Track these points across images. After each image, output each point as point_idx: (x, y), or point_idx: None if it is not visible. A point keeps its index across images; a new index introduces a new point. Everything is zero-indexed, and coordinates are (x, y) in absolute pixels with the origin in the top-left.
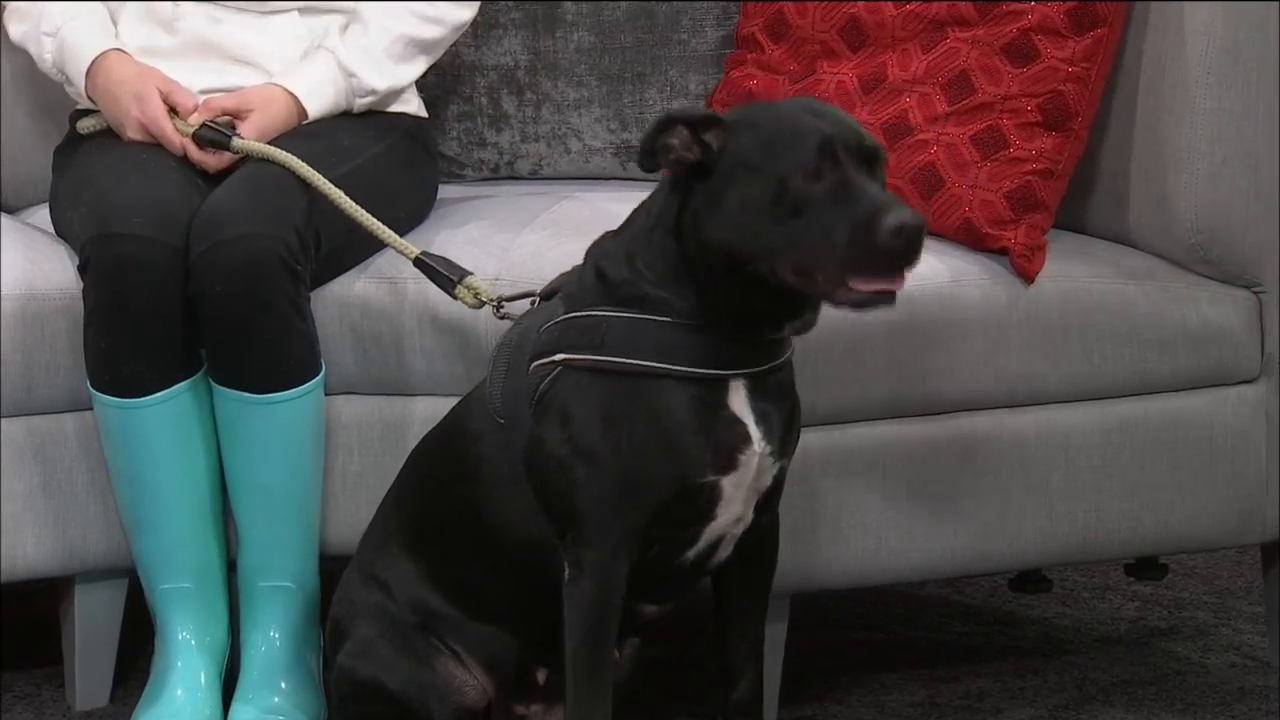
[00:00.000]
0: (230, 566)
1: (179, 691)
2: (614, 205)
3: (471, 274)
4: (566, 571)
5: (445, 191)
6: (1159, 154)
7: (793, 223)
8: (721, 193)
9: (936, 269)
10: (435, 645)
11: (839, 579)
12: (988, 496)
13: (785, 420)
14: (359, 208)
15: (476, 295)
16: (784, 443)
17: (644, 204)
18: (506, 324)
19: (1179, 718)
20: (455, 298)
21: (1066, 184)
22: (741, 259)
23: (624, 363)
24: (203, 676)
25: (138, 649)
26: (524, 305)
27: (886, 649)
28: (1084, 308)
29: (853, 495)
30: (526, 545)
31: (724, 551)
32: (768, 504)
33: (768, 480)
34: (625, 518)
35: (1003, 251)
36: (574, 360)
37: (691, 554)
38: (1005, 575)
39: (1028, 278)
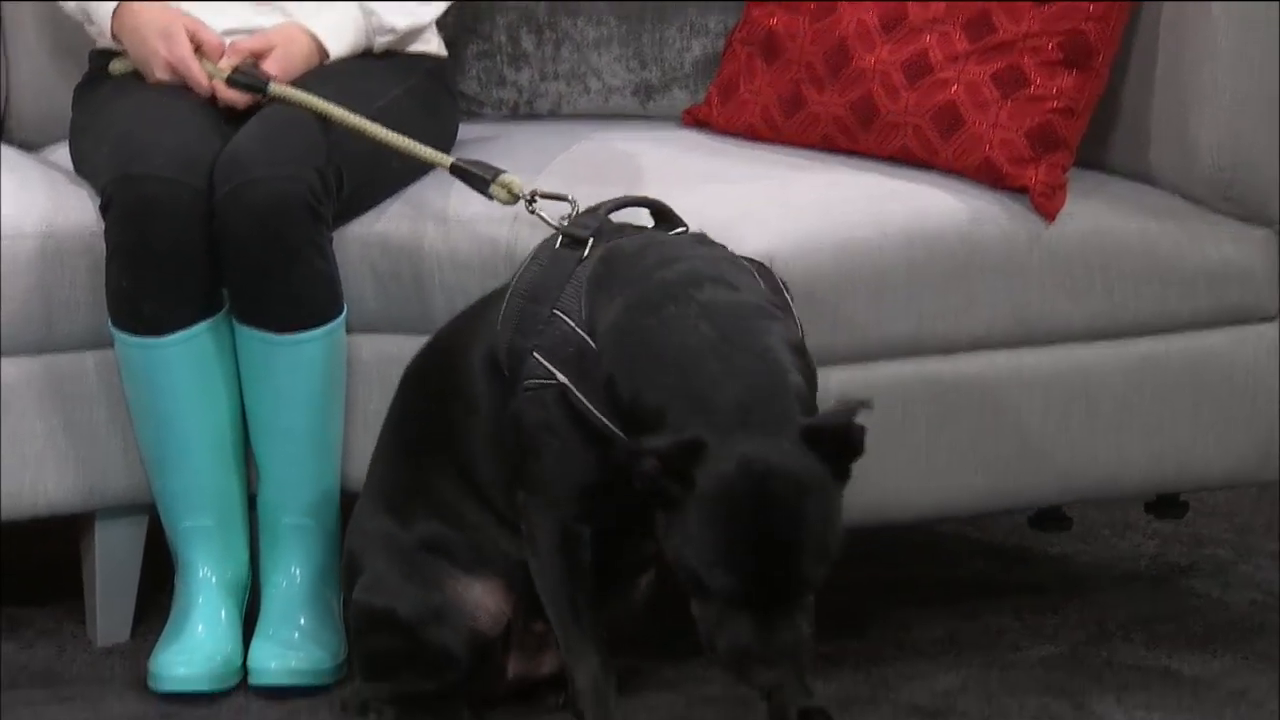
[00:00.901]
0: (250, 504)
1: (200, 628)
2: (633, 145)
3: (504, 171)
4: (523, 522)
5: (465, 131)
6: (1180, 92)
7: (704, 605)
8: (673, 525)
9: (956, 208)
10: (446, 569)
11: (858, 517)
12: (1008, 435)
13: None
14: (393, 134)
15: (510, 190)
16: None
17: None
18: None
19: (1198, 654)
20: (490, 197)
21: (1087, 122)
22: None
23: (613, 431)
24: (223, 613)
25: (159, 585)
26: (555, 208)
27: (906, 586)
28: (1104, 246)
29: (872, 434)
30: (508, 491)
31: None
32: None
33: None
34: (576, 503)
35: (1023, 190)
36: (574, 398)
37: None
38: (1025, 513)
39: (1048, 216)
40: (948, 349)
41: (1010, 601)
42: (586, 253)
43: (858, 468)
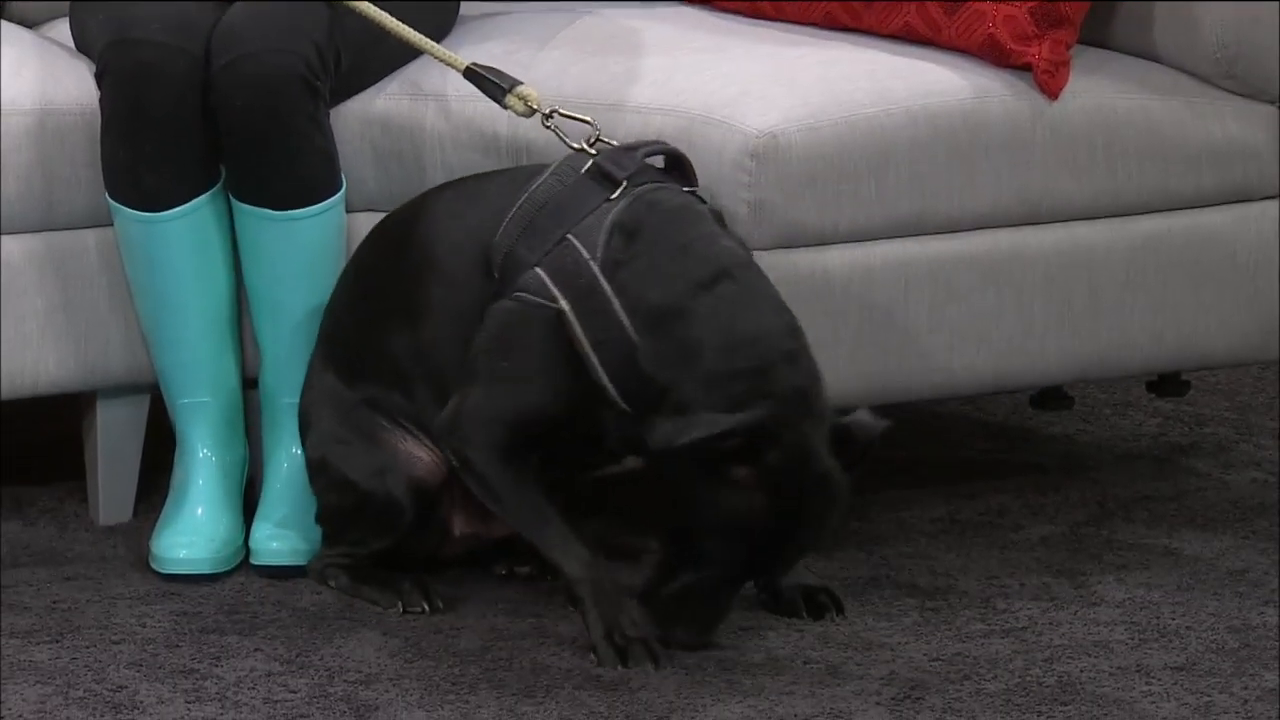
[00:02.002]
0: (251, 385)
1: (200, 509)
2: (636, 22)
3: (521, 83)
4: (448, 447)
5: (467, 8)
6: None
7: (686, 549)
8: (701, 487)
9: (960, 85)
10: (383, 424)
11: (860, 397)
12: (1010, 314)
13: None
14: (404, 26)
15: (526, 102)
16: None
17: (693, 357)
18: (525, 140)
19: (1199, 533)
20: (506, 107)
21: None
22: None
23: (597, 378)
24: (222, 493)
25: (160, 465)
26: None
27: (907, 466)
28: (1108, 124)
29: (874, 314)
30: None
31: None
32: None
33: None
34: (514, 437)
35: (1026, 67)
36: (570, 326)
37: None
38: (1026, 392)
39: (1051, 94)
40: (950, 228)
41: (1011, 481)
42: (617, 194)
43: (858, 349)
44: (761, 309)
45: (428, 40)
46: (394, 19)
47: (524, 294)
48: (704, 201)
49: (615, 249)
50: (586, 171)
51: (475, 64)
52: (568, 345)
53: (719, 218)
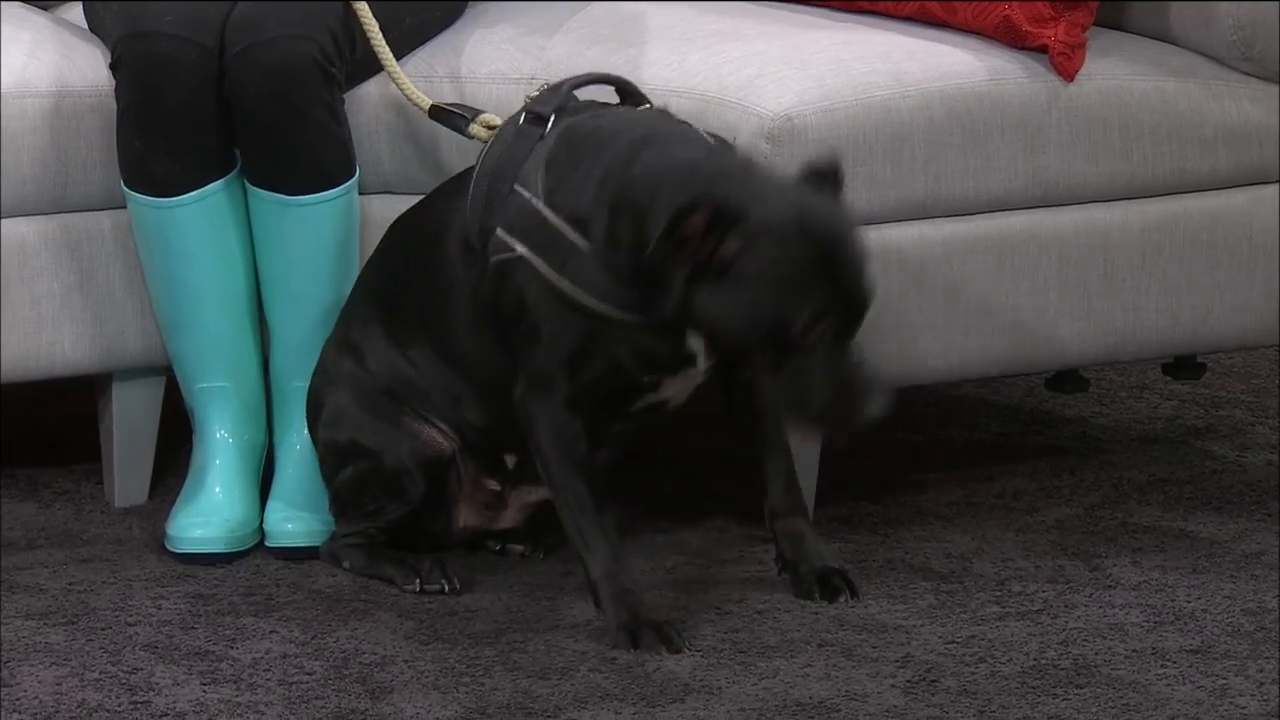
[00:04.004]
0: (265, 366)
1: (216, 490)
2: (646, 5)
3: (484, 111)
4: (520, 418)
5: None
6: None
7: (778, 359)
8: (724, 298)
9: (975, 67)
10: (401, 409)
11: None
12: (1025, 296)
13: None
14: (385, 44)
15: (489, 127)
16: None
17: (648, 189)
18: None
19: (1214, 515)
20: (471, 137)
21: None
22: (729, 353)
23: (581, 298)
24: (240, 475)
25: (176, 447)
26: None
27: (923, 449)
28: (1123, 106)
29: (890, 296)
30: (486, 366)
31: (677, 402)
32: None
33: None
34: (572, 383)
35: (1042, 49)
36: (534, 265)
37: (638, 407)
38: (1042, 375)
39: (1067, 76)
40: (965, 210)
41: (1026, 464)
42: (547, 130)
43: (874, 331)
44: (685, 149)
45: (399, 72)
46: (377, 30)
47: (496, 256)
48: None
49: (552, 180)
50: (521, 123)
51: (438, 103)
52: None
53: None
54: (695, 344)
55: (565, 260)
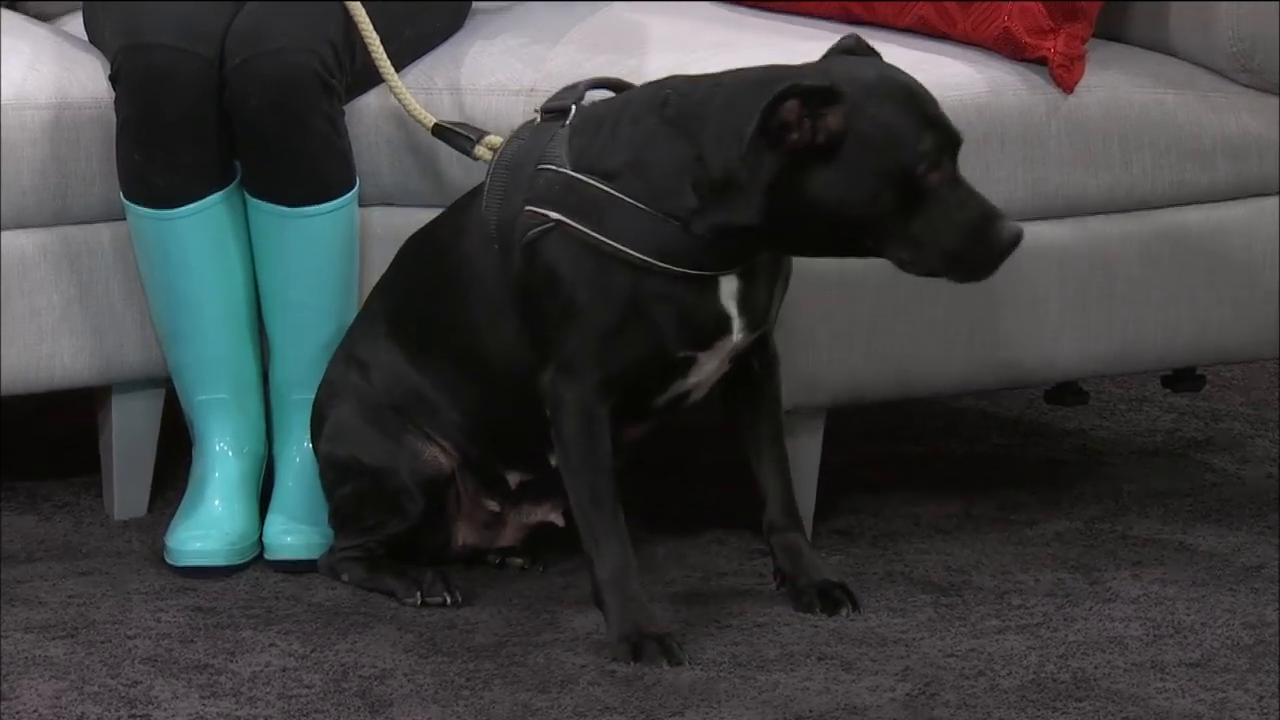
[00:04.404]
0: (264, 378)
1: (216, 502)
2: (649, 16)
3: (489, 133)
4: (548, 410)
5: (479, 5)
6: None
7: (908, 212)
8: (841, 171)
9: (974, 79)
10: (404, 425)
11: (875, 392)
12: (1025, 308)
13: (771, 290)
14: (387, 60)
15: (494, 149)
16: (767, 313)
17: (718, 109)
18: None
19: (1214, 529)
20: (475, 158)
21: None
22: (852, 231)
23: (619, 249)
24: (239, 487)
25: (176, 459)
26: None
27: (922, 462)
28: (1123, 117)
29: (890, 307)
30: (505, 368)
31: (698, 394)
32: (755, 348)
33: (743, 346)
34: (603, 368)
35: (1042, 61)
36: (569, 228)
37: (662, 399)
38: (1042, 388)
39: (1067, 87)
40: None
41: (1026, 476)
42: (570, 119)
43: (874, 343)
44: (725, 77)
45: (402, 89)
46: (379, 44)
47: (530, 232)
48: None
49: (576, 149)
50: (539, 120)
51: (441, 122)
52: (591, 249)
53: None
54: (730, 305)
55: (602, 216)
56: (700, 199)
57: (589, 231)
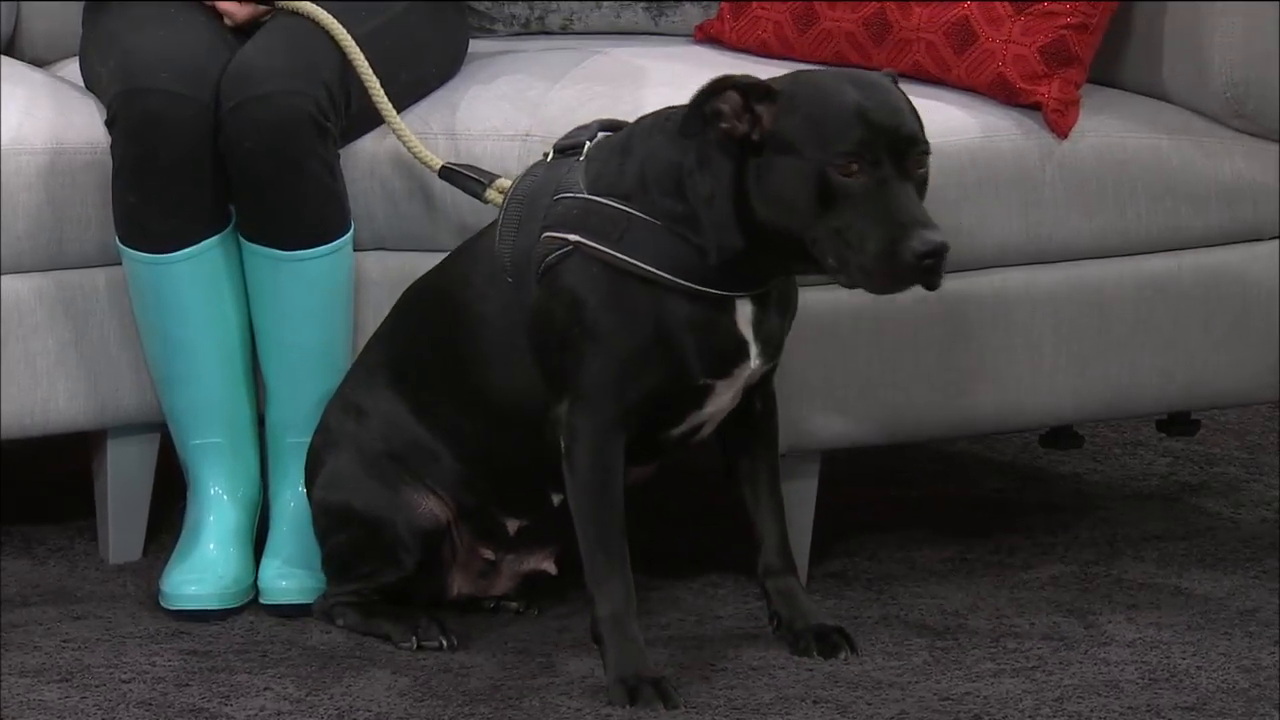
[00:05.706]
0: (259, 422)
1: (211, 546)
2: (644, 60)
3: (500, 176)
4: (562, 441)
5: (475, 47)
6: (1194, 7)
7: (830, 214)
8: (768, 169)
9: (968, 124)
10: (401, 475)
11: (870, 436)
12: (1019, 353)
13: (782, 320)
14: (387, 100)
15: (503, 192)
16: (778, 345)
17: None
18: (537, 157)
19: (1209, 573)
20: (486, 202)
21: (1101, 38)
22: (793, 234)
23: (639, 267)
24: (234, 531)
25: (170, 503)
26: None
27: (918, 505)
28: (1117, 162)
29: (884, 352)
30: (514, 404)
31: (708, 429)
32: (759, 386)
33: (757, 377)
34: (622, 398)
35: (1036, 106)
36: (589, 249)
37: (675, 433)
38: (1037, 432)
39: (1061, 132)
40: (960, 266)
41: (1021, 520)
42: (584, 154)
43: (869, 387)
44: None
45: (407, 131)
46: (378, 85)
47: (548, 259)
48: None
49: (591, 175)
50: (553, 156)
51: (450, 163)
52: (612, 270)
53: None
54: (746, 330)
55: (621, 235)
56: (697, 210)
57: (608, 250)
